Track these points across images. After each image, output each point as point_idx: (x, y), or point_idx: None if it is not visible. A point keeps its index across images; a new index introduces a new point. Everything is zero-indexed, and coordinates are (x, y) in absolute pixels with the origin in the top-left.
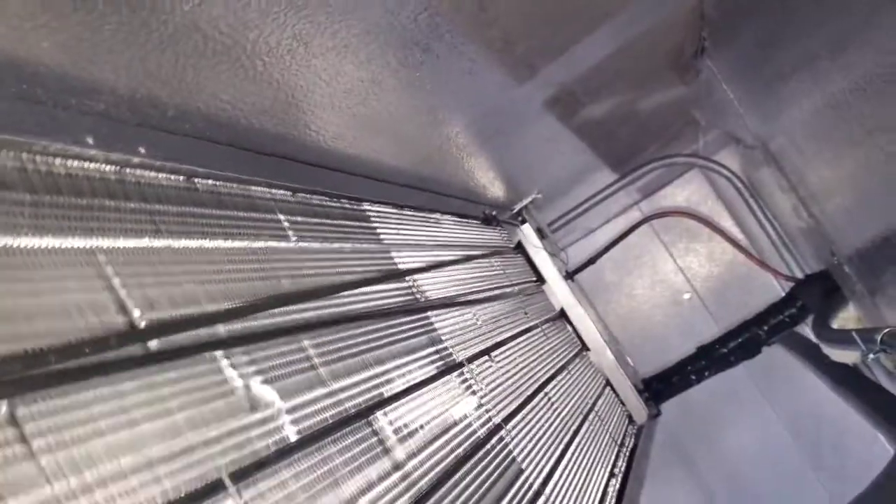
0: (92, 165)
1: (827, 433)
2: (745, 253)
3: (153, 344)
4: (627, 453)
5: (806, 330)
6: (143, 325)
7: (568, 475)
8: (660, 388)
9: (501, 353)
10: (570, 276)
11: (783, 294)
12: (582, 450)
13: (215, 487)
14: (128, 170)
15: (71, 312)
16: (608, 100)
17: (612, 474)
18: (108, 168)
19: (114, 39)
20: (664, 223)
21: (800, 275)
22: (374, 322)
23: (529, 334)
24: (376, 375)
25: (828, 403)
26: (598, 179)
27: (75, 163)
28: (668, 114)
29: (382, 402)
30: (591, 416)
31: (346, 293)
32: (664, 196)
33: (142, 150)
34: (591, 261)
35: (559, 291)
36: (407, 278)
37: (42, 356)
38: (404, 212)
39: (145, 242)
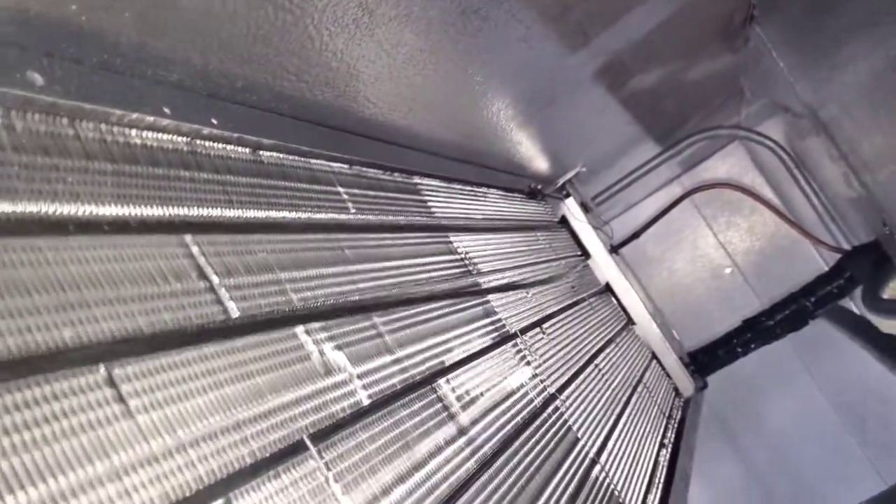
0: (165, 136)
1: (873, 407)
2: (790, 223)
3: (232, 309)
4: (676, 425)
5: (850, 303)
6: (222, 291)
7: (621, 445)
8: (706, 360)
9: (552, 325)
10: (614, 249)
11: (824, 267)
12: (633, 421)
13: (297, 448)
14: (198, 141)
15: (155, 278)
16: (656, 69)
17: (662, 445)
18: (180, 139)
19: (190, 7)
20: (705, 197)
21: (846, 246)
22: (434, 292)
23: (577, 307)
24: (438, 344)
25: (874, 378)
26: (641, 152)
27: (149, 133)
28: (714, 84)
29: (445, 370)
30: (639, 388)
31: (405, 263)
32: (705, 169)
33: (214, 121)
34: (636, 234)
35: (604, 265)
36: (459, 250)
37: (132, 320)
38: (453, 185)
39: (219, 212)
